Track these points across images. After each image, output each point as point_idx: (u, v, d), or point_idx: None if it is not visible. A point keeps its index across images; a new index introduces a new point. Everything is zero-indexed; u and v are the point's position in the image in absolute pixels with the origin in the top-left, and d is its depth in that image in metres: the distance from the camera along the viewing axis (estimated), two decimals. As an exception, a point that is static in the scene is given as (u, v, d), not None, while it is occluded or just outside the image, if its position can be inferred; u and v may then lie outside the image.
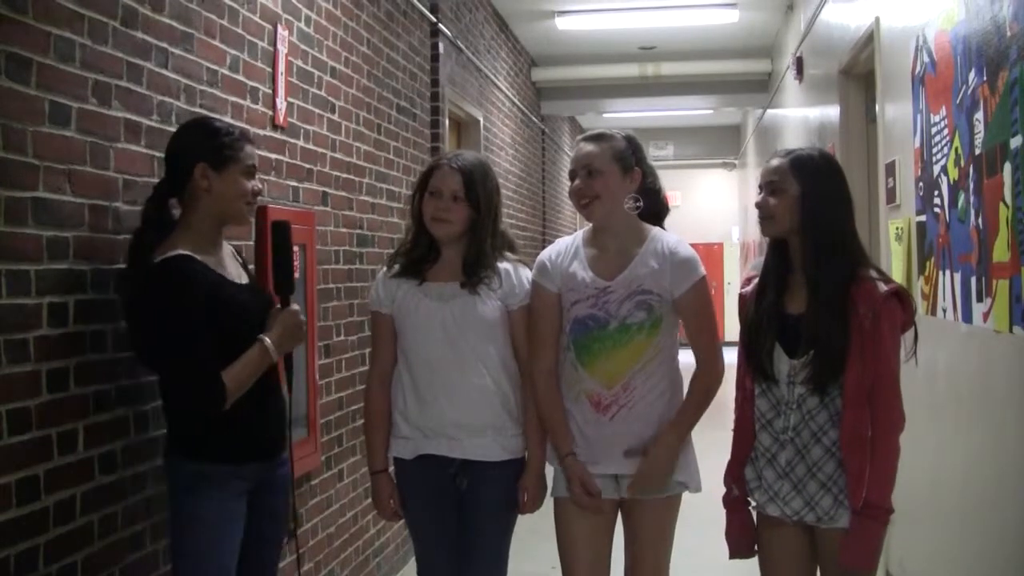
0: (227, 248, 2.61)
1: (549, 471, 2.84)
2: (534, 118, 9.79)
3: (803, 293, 2.51)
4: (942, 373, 3.51)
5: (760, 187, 2.59)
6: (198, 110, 2.94)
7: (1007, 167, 2.72)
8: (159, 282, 2.33)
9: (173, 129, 2.77)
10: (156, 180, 2.69)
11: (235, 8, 3.23)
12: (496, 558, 2.85)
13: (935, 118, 3.46)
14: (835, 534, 2.45)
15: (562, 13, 8.08)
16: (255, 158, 2.56)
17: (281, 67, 3.56)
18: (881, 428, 2.41)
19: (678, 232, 2.85)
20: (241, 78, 3.26)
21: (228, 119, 3.09)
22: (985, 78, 2.91)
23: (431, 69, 5.75)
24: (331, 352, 4.08)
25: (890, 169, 4.24)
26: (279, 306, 2.60)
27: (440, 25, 5.82)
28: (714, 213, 17.19)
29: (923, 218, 3.68)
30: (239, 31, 3.26)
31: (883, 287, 2.44)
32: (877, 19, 4.41)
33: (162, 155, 2.70)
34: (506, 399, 2.79)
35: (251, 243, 3.22)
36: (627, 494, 2.72)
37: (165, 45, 2.77)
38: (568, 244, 2.84)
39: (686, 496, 2.78)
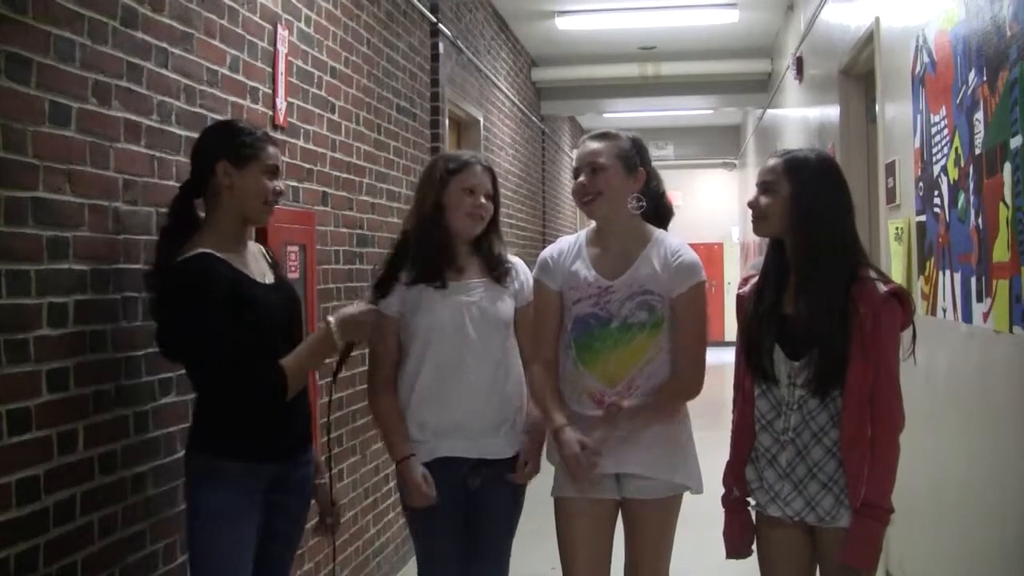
0: (253, 247, 2.62)
1: (550, 471, 2.84)
2: (534, 118, 9.79)
3: (800, 294, 2.50)
4: (942, 373, 3.51)
5: (756, 186, 2.60)
6: (198, 110, 2.94)
7: (1007, 167, 2.72)
8: (180, 281, 2.36)
9: (173, 129, 2.79)
10: (156, 180, 2.70)
11: (235, 8, 3.23)
12: (500, 559, 2.86)
13: (935, 118, 3.46)
14: (836, 534, 2.45)
15: (562, 13, 8.08)
16: (278, 159, 2.58)
17: (281, 67, 3.56)
18: (881, 428, 2.41)
19: (678, 232, 2.85)
20: (241, 78, 3.26)
21: (237, 119, 3.10)
22: (985, 78, 2.91)
23: (431, 69, 5.75)
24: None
25: (890, 169, 4.24)
26: (369, 296, 2.68)
27: (440, 25, 5.82)
28: (714, 213, 17.19)
29: (923, 218, 3.68)
30: (239, 31, 3.26)
31: (883, 287, 2.43)
32: (877, 19, 4.41)
33: (162, 155, 2.72)
34: (517, 394, 2.85)
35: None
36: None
37: (165, 45, 2.77)
38: (571, 243, 2.84)
39: (686, 496, 2.78)
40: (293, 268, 3.56)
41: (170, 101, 2.79)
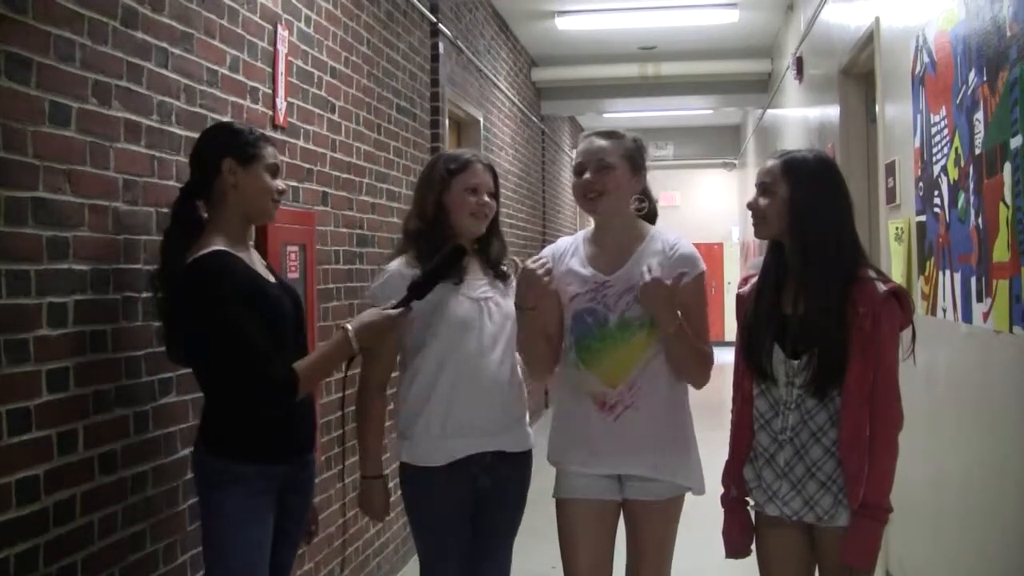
0: (252, 249, 2.63)
1: (550, 474, 2.84)
2: (534, 118, 9.79)
3: (799, 294, 2.51)
4: (942, 373, 3.51)
5: (755, 187, 2.60)
6: (198, 110, 2.94)
7: (1007, 167, 2.72)
8: (199, 279, 2.35)
9: (173, 129, 2.79)
10: (156, 180, 2.70)
11: (235, 8, 3.23)
12: (504, 558, 2.87)
13: (935, 118, 3.46)
14: (834, 533, 2.45)
15: (562, 13, 8.08)
16: (277, 158, 2.59)
17: (281, 67, 3.56)
18: (880, 427, 2.41)
19: (678, 232, 2.85)
20: (241, 78, 3.26)
21: (228, 119, 3.10)
22: (985, 78, 2.91)
23: (431, 69, 5.75)
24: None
25: (890, 169, 4.24)
26: (394, 302, 2.60)
27: (440, 25, 5.82)
28: (714, 213, 17.19)
29: (923, 218, 3.68)
30: (239, 31, 3.26)
31: (882, 287, 2.44)
32: (877, 19, 4.41)
33: (162, 155, 2.72)
34: (524, 389, 2.88)
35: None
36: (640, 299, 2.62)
37: (165, 45, 2.77)
38: (568, 243, 2.85)
39: (688, 496, 2.78)
40: (293, 268, 3.57)
41: (170, 101, 2.79)
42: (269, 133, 3.46)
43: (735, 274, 16.35)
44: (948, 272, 3.34)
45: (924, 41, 3.61)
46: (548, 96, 10.33)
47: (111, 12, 2.51)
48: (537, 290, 2.66)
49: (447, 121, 6.04)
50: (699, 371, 2.70)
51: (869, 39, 4.58)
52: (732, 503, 2.64)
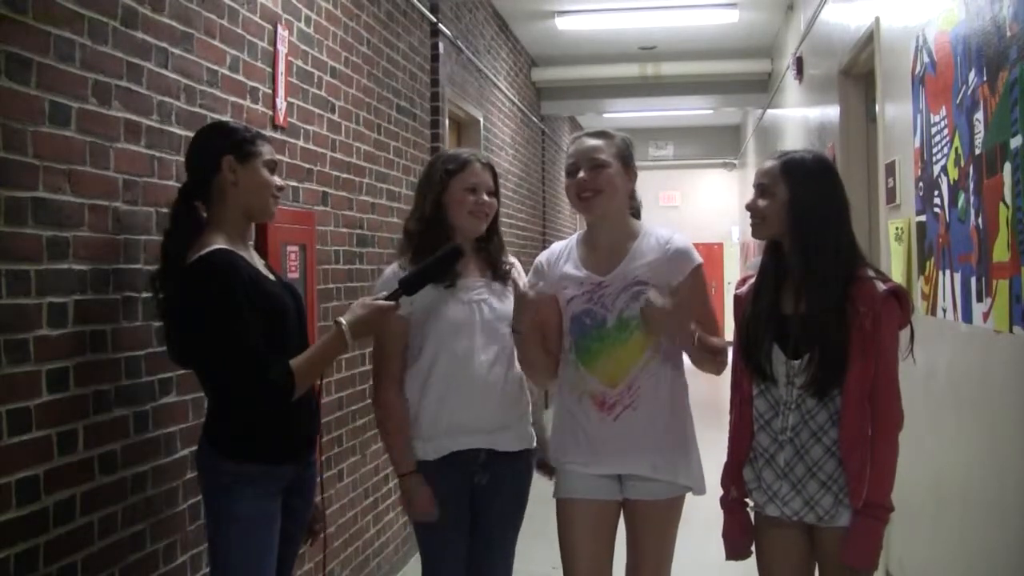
0: (252, 248, 2.63)
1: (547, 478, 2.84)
2: (534, 118, 9.79)
3: (799, 294, 2.51)
4: (942, 373, 3.51)
5: (753, 188, 2.60)
6: (198, 110, 2.94)
7: (1007, 167, 2.72)
8: (203, 278, 2.34)
9: (173, 129, 2.79)
10: (156, 180, 2.70)
11: (235, 8, 3.23)
12: (506, 557, 2.87)
13: (935, 118, 3.46)
14: (835, 533, 2.45)
15: (562, 13, 8.08)
16: (274, 155, 2.59)
17: (281, 67, 3.56)
18: (881, 427, 2.41)
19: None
20: (241, 78, 3.26)
21: (228, 119, 3.10)
22: (985, 78, 2.91)
23: (431, 69, 5.75)
24: (331, 352, 4.07)
25: (890, 169, 4.24)
26: (384, 294, 2.60)
27: (440, 25, 5.82)
28: (714, 213, 17.19)
29: (923, 218, 3.68)
30: (239, 31, 3.26)
31: (881, 286, 2.44)
32: (877, 19, 4.41)
33: (162, 155, 2.72)
34: (523, 389, 2.87)
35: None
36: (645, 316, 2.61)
37: (165, 45, 2.77)
38: (562, 247, 2.87)
39: (688, 497, 2.78)
40: (293, 268, 3.57)
41: (170, 101, 2.79)
42: (269, 133, 3.47)
43: (735, 274, 16.34)
44: (948, 272, 3.34)
45: (924, 41, 3.61)
46: (548, 96, 10.33)
47: (111, 12, 2.51)
48: (532, 314, 2.68)
49: (447, 121, 6.04)
50: (716, 363, 2.71)
51: (869, 39, 4.58)
52: (732, 504, 2.63)
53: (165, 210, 2.59)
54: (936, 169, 3.47)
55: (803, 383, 2.45)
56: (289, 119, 3.67)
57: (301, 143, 3.80)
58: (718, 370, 2.73)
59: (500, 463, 2.81)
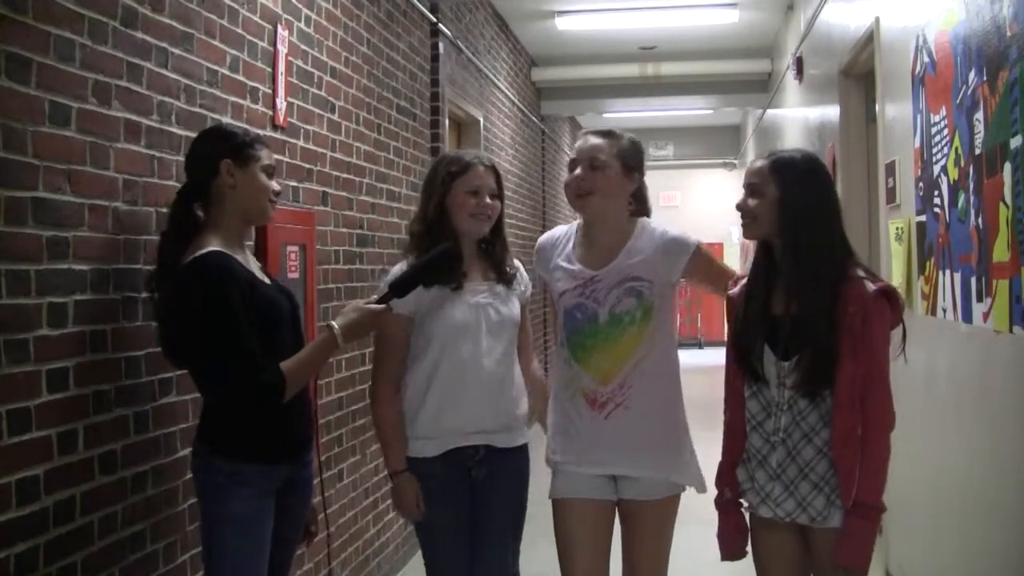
0: (248, 251, 2.64)
1: (547, 474, 2.84)
2: (534, 118, 9.79)
3: (790, 295, 2.50)
4: (942, 373, 3.51)
5: (743, 188, 2.60)
6: (198, 110, 2.94)
7: (1007, 167, 2.72)
8: (198, 279, 2.35)
9: (173, 129, 2.79)
10: (156, 180, 2.70)
11: (235, 8, 3.23)
12: (508, 555, 2.87)
13: (935, 118, 3.46)
14: (828, 534, 2.44)
15: (562, 13, 8.08)
16: (272, 159, 2.61)
17: (281, 67, 3.56)
18: (872, 427, 2.40)
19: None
20: (241, 78, 3.26)
21: (228, 119, 3.11)
22: (985, 78, 2.91)
23: (431, 69, 5.75)
24: (331, 352, 4.07)
25: (890, 169, 4.24)
26: (375, 297, 2.63)
27: (440, 25, 5.82)
28: (714, 213, 17.17)
29: (923, 218, 3.68)
30: (239, 31, 3.26)
31: (871, 286, 2.43)
32: (877, 19, 4.41)
33: (162, 155, 2.72)
34: (522, 391, 2.89)
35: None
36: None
37: (165, 45, 2.77)
38: (563, 233, 2.88)
39: (684, 496, 2.78)
40: (293, 268, 3.57)
41: (170, 101, 2.79)
42: (269, 133, 3.47)
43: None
44: (948, 272, 3.34)
45: (924, 41, 3.61)
46: (548, 96, 10.33)
47: (111, 12, 2.51)
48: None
49: (447, 121, 6.04)
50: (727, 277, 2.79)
51: (869, 39, 4.58)
52: (726, 505, 2.63)
53: (165, 210, 2.59)
54: (936, 169, 3.47)
55: (793, 384, 2.44)
56: (289, 119, 3.67)
57: (301, 143, 3.79)
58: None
59: (497, 459, 2.82)
